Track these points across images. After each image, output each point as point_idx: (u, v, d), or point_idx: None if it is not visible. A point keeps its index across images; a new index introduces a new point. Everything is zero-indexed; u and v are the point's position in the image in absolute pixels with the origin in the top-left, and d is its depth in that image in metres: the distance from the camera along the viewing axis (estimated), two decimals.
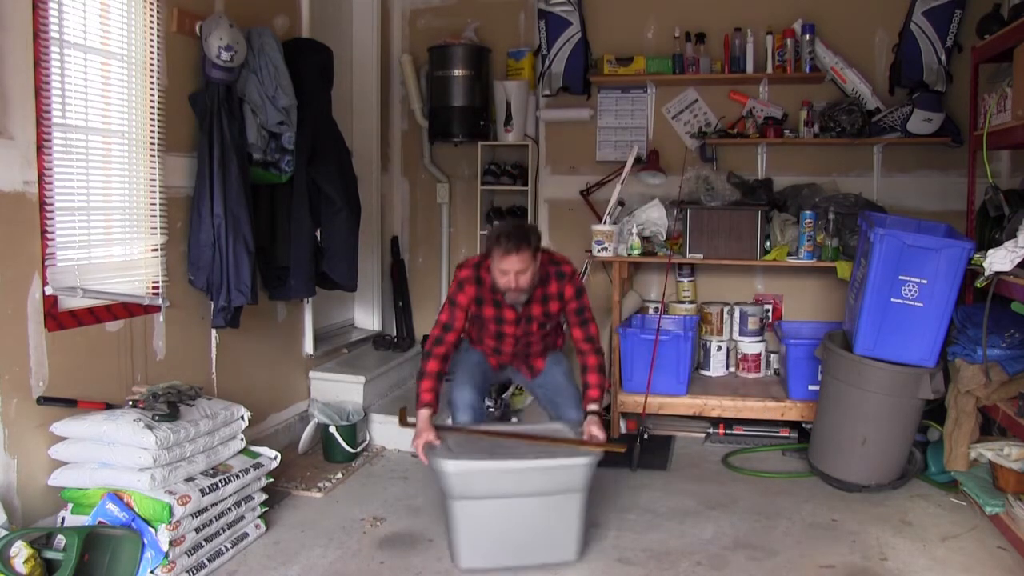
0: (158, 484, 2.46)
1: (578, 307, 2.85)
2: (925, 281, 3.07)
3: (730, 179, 4.12)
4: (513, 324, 2.87)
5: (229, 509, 2.71)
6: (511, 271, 2.66)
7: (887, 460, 3.25)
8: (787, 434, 3.91)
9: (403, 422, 2.81)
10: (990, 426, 3.14)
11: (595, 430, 2.65)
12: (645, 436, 3.82)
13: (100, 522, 2.40)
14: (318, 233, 3.55)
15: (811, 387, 3.76)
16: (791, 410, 3.81)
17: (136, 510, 2.43)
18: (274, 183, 3.32)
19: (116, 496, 2.44)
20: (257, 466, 2.82)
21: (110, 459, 2.46)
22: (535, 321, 2.86)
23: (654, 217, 4.07)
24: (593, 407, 2.72)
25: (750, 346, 4.23)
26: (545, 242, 4.66)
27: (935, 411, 3.36)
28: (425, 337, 4.54)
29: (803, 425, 3.87)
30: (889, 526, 3.00)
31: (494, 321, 2.87)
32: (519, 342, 2.90)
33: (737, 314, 4.27)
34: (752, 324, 4.24)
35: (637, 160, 4.21)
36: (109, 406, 2.64)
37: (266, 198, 3.34)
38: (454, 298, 2.80)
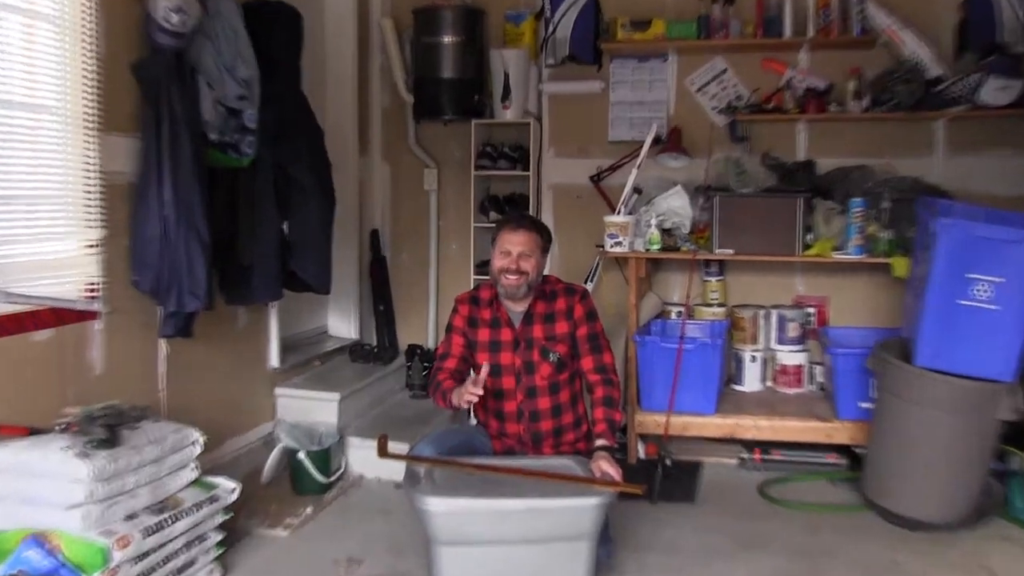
0: (92, 523, 2.40)
1: (590, 332, 2.88)
2: (1001, 280, 3.01)
3: (765, 161, 4.10)
4: (511, 349, 2.86)
5: (178, 551, 2.66)
6: (514, 250, 2.76)
7: (958, 493, 3.19)
8: (835, 460, 3.89)
9: (383, 452, 2.76)
10: None
11: (606, 467, 2.63)
12: (667, 462, 3.81)
13: (20, 572, 2.32)
14: (285, 226, 3.55)
15: (863, 405, 3.74)
16: (839, 432, 3.80)
17: (64, 556, 2.37)
18: (234, 168, 3.30)
19: (39, 539, 2.38)
20: (212, 500, 2.79)
21: (33, 494, 2.40)
22: (537, 346, 2.85)
23: (676, 206, 4.07)
24: (601, 442, 2.71)
25: (790, 356, 4.23)
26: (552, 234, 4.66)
27: (1016, 435, 3.31)
28: (413, 352, 4.57)
29: (854, 450, 3.85)
30: (964, 573, 2.91)
31: (489, 348, 2.86)
32: (521, 383, 2.86)
33: (774, 319, 4.27)
34: (792, 331, 4.24)
35: (656, 140, 4.20)
36: (34, 431, 2.58)
37: (224, 185, 3.32)
38: (450, 323, 2.93)
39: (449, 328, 2.93)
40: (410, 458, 2.66)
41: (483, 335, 2.89)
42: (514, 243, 2.77)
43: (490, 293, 2.90)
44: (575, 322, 2.87)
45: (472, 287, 3.00)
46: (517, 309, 2.88)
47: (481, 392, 2.63)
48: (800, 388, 4.21)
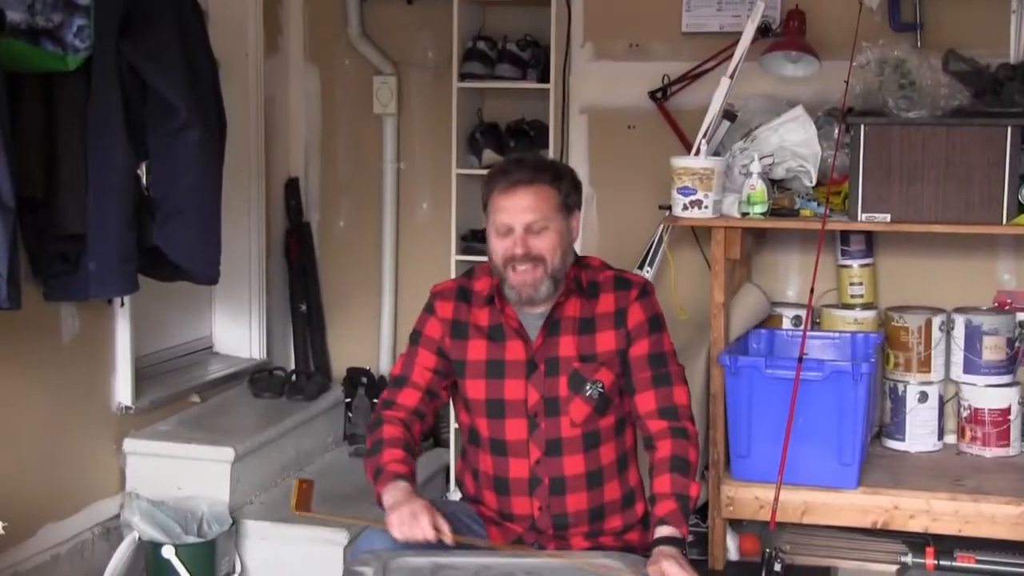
0: None
1: (653, 351, 2.88)
2: None
3: (948, 66, 4.06)
4: (522, 375, 2.86)
5: None
6: (517, 223, 2.76)
7: None
8: None
9: (300, 504, 2.78)
10: None
11: (671, 569, 2.59)
12: (777, 568, 3.77)
13: None
14: (143, 171, 3.59)
15: None
16: None
17: None
18: (53, 72, 3.32)
19: None
20: None
21: None
22: (566, 372, 2.86)
23: (795, 142, 4.06)
24: (666, 531, 2.69)
25: (987, 395, 4.21)
26: (586, 189, 4.70)
27: None
28: (355, 381, 4.65)
29: None
30: None
31: (486, 373, 2.88)
32: (537, 432, 2.87)
33: (960, 331, 4.25)
34: (991, 351, 4.21)
35: (763, 31, 4.20)
36: None
37: (38, 103, 3.36)
38: (417, 329, 2.98)
39: (415, 337, 2.95)
40: (335, 520, 2.68)
41: (476, 351, 2.89)
42: (515, 210, 2.76)
43: (490, 284, 2.91)
44: (629, 334, 2.85)
45: (457, 273, 2.91)
46: (535, 311, 2.87)
47: (446, 537, 2.65)
48: (1006, 448, 4.18)
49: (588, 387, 2.85)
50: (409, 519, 2.63)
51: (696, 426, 2.88)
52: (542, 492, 2.88)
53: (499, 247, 2.80)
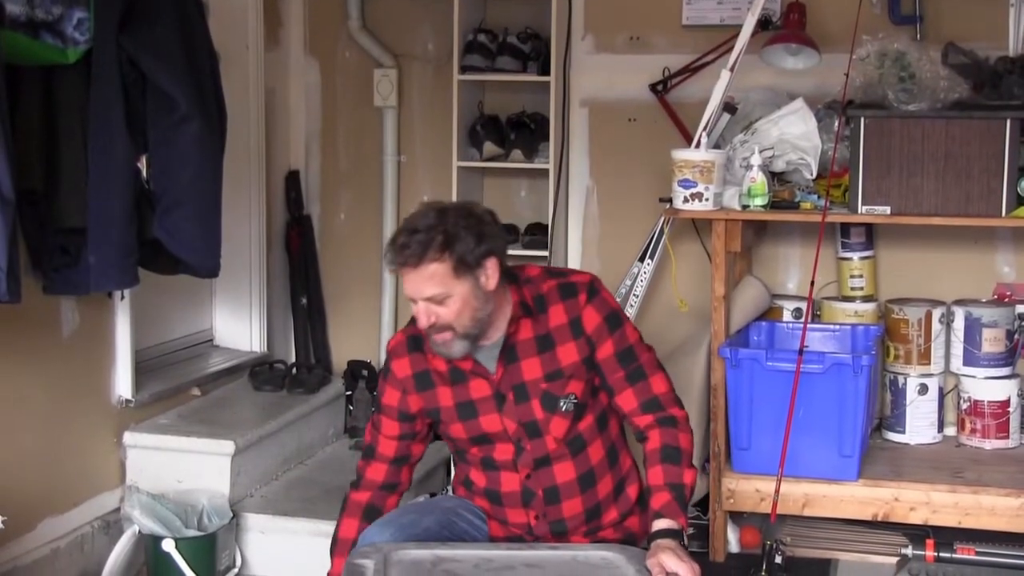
0: None
1: (619, 348, 2.85)
2: None
3: (948, 59, 4.05)
4: (494, 410, 2.84)
5: None
6: (417, 296, 2.71)
7: None
8: None
9: None
10: None
11: (672, 563, 2.58)
12: (777, 560, 3.75)
13: None
14: (143, 164, 3.58)
15: None
16: None
17: None
18: (53, 65, 3.32)
19: None
20: None
21: None
22: (535, 395, 2.83)
23: (795, 135, 4.07)
24: (662, 524, 2.69)
25: (987, 387, 4.22)
26: (587, 182, 4.71)
27: None
28: (356, 374, 4.62)
29: None
30: None
31: (460, 418, 2.87)
32: (524, 455, 2.87)
33: (960, 322, 4.27)
34: (991, 343, 4.23)
35: (763, 24, 4.22)
36: None
37: (38, 96, 3.36)
38: (378, 396, 2.98)
39: (377, 405, 2.96)
40: None
41: (444, 397, 2.88)
42: (411, 288, 2.70)
43: None
44: (590, 340, 2.82)
45: (410, 320, 2.90)
46: (487, 343, 2.82)
47: None
48: (1006, 440, 4.19)
49: (562, 403, 2.82)
50: None
51: (684, 410, 2.87)
52: (537, 503, 2.88)
53: (413, 310, 2.75)
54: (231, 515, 3.79)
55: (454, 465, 3.09)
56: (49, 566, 3.59)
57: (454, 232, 2.64)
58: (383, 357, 4.75)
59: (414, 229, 2.64)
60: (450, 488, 3.17)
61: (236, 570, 3.78)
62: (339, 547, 2.86)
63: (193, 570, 3.57)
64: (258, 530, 3.85)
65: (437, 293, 2.66)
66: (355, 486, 2.93)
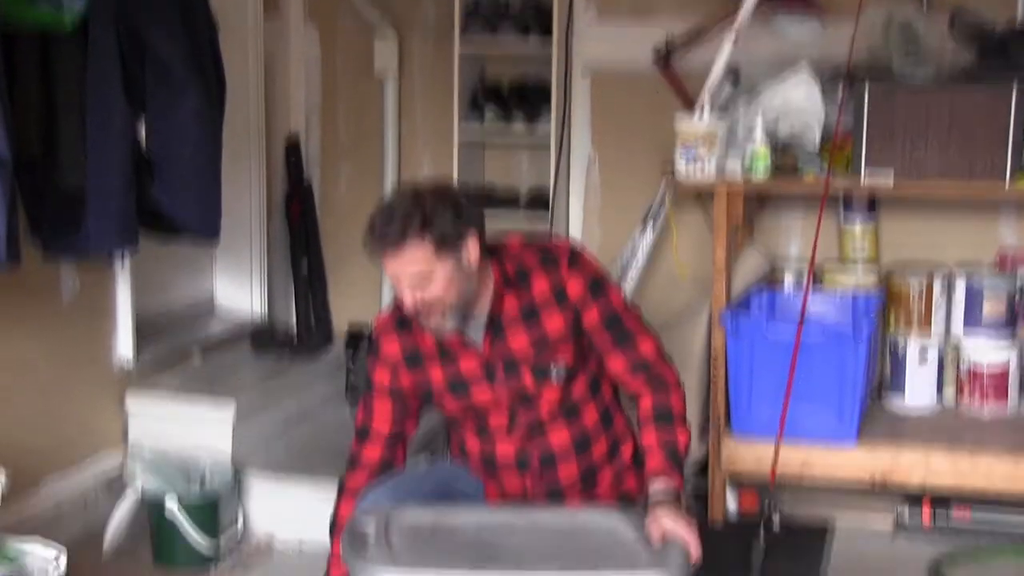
0: None
1: (605, 313, 2.84)
2: None
3: (954, 26, 4.03)
4: (484, 382, 2.85)
5: None
6: (402, 279, 2.70)
7: None
8: None
9: None
10: None
11: (670, 523, 2.60)
12: (775, 523, 3.83)
13: None
14: (142, 130, 3.59)
15: None
16: None
17: None
18: (51, 33, 3.31)
19: None
20: None
21: None
22: (525, 366, 2.84)
23: (798, 102, 4.08)
24: (659, 485, 2.70)
25: (987, 353, 4.23)
26: (585, 150, 4.73)
27: None
28: (356, 338, 4.58)
29: None
30: None
31: (452, 393, 2.88)
32: (517, 422, 2.88)
33: (961, 289, 4.28)
34: (992, 309, 4.23)
35: None
36: None
37: (35, 63, 3.33)
38: (369, 375, 2.96)
39: (367, 384, 2.94)
40: None
41: (435, 374, 2.88)
42: (394, 272, 2.69)
43: None
44: (575, 308, 2.82)
45: (394, 298, 2.90)
46: (472, 319, 2.83)
47: None
48: (1003, 405, 4.20)
49: (552, 372, 2.83)
50: None
51: (674, 367, 2.86)
52: (532, 469, 2.89)
53: (397, 293, 2.75)
54: (233, 476, 3.81)
55: (449, 433, 3.10)
56: (54, 523, 3.59)
57: (431, 212, 2.62)
58: None
59: (390, 213, 2.62)
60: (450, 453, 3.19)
61: (238, 529, 3.79)
62: (339, 530, 2.84)
63: (196, 529, 3.59)
64: (260, 490, 3.87)
65: (420, 274, 2.66)
66: (351, 468, 2.91)
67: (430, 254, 2.63)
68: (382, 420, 2.89)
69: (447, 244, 2.64)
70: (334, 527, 2.88)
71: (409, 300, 2.67)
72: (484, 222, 2.74)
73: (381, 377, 2.88)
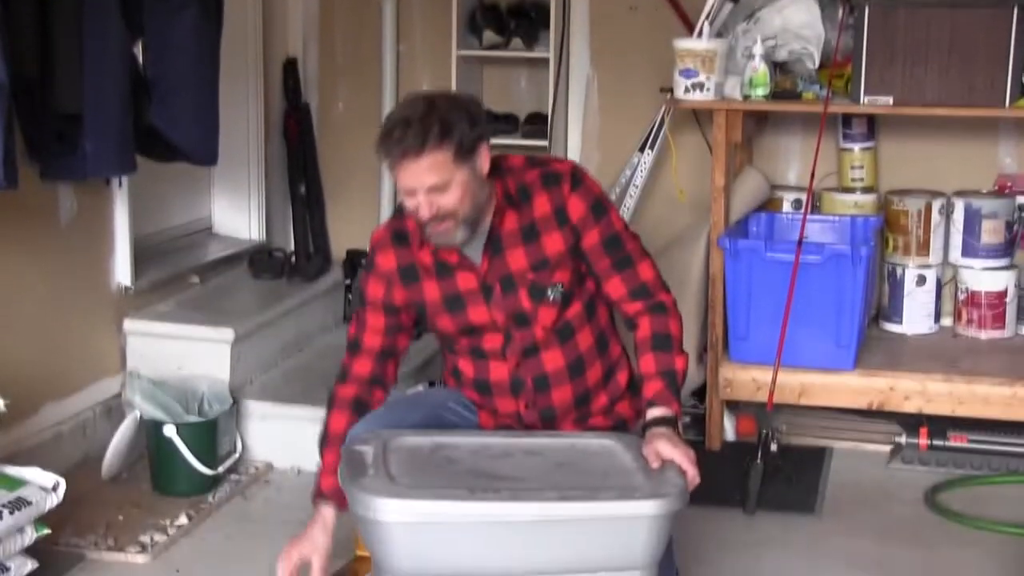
0: None
1: (605, 235, 2.83)
2: None
3: None
4: (481, 301, 2.84)
5: None
6: (418, 187, 2.66)
7: None
8: None
9: None
10: None
11: (667, 449, 2.60)
12: (773, 448, 3.80)
13: None
14: (138, 51, 3.58)
15: None
16: None
17: None
18: None
19: None
20: (18, 505, 2.83)
21: None
22: (523, 285, 2.83)
23: (797, 23, 4.06)
24: (656, 411, 2.69)
25: (985, 278, 4.25)
26: (587, 71, 4.72)
27: None
28: (354, 263, 4.60)
29: None
30: None
31: (447, 311, 2.86)
32: (512, 343, 2.87)
33: (960, 214, 4.29)
34: (990, 234, 4.24)
35: None
36: None
37: None
38: (362, 289, 2.95)
39: (361, 298, 2.93)
40: None
41: (431, 291, 2.86)
42: (411, 179, 2.65)
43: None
44: (575, 228, 2.80)
45: (392, 213, 2.89)
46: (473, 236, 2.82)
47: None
48: (1001, 331, 4.22)
49: (549, 292, 2.82)
50: (283, 558, 2.76)
51: (672, 295, 2.85)
52: (526, 392, 2.88)
53: (408, 204, 2.71)
54: (231, 401, 3.82)
55: (443, 356, 3.09)
56: (52, 450, 3.60)
57: (449, 119, 2.60)
58: None
59: (407, 120, 2.58)
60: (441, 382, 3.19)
61: (236, 455, 3.80)
62: (330, 441, 2.86)
63: (194, 455, 3.60)
64: (258, 416, 3.90)
65: (439, 182, 2.63)
66: (341, 380, 2.91)
67: (449, 161, 2.61)
68: (374, 334, 2.88)
69: (464, 152, 2.62)
70: (324, 438, 2.89)
71: (426, 211, 2.64)
72: (491, 134, 2.74)
73: (375, 291, 2.87)
